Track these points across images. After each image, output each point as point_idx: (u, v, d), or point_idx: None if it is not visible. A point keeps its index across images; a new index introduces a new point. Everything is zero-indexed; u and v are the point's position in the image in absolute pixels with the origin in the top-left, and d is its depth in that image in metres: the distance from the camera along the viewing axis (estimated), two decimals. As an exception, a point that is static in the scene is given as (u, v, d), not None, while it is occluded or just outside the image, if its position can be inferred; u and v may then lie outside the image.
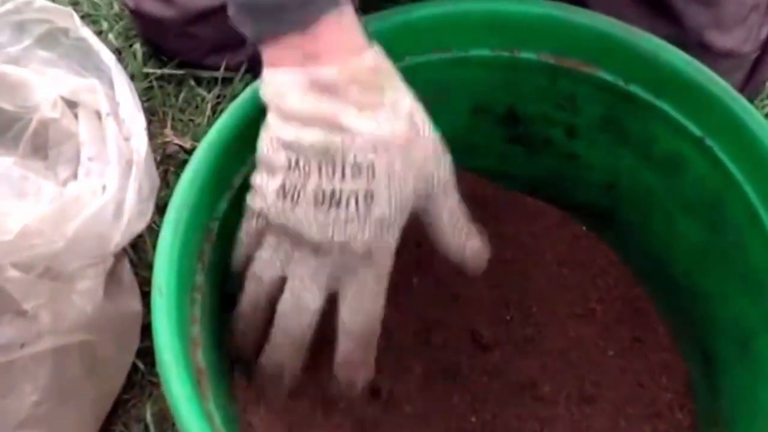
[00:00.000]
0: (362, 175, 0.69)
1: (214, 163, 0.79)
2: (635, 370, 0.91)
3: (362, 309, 0.74)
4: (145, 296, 0.98)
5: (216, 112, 1.16)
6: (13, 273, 0.87)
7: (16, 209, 0.85)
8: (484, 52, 0.87)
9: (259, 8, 0.71)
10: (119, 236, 0.89)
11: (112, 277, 0.95)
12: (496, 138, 0.93)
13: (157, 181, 0.98)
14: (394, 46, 0.77)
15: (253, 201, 0.75)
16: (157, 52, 1.16)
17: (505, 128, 0.92)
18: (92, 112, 0.95)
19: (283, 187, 0.71)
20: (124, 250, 1.01)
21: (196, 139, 1.13)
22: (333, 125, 0.69)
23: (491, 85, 0.89)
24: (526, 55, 0.87)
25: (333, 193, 0.70)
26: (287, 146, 0.71)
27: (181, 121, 1.16)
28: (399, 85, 0.73)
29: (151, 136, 1.11)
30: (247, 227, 0.76)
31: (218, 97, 1.19)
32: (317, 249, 0.71)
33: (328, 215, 0.70)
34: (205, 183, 0.78)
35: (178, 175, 0.98)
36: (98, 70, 0.97)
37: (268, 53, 0.73)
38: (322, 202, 0.70)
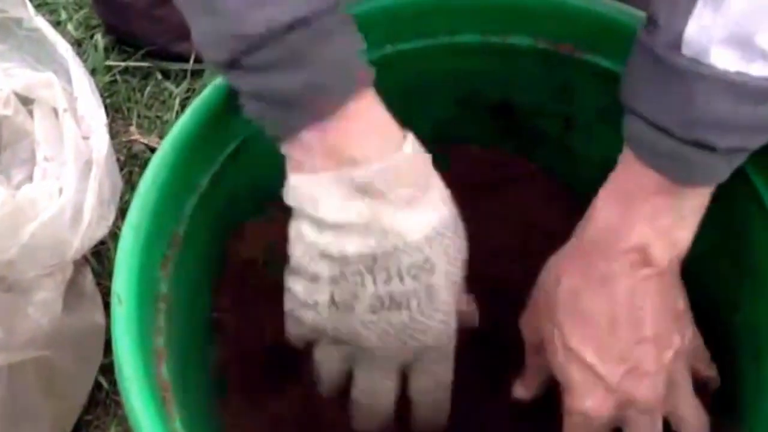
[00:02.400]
0: (421, 273, 0.68)
1: (177, 163, 0.75)
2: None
3: (434, 385, 0.75)
4: (109, 308, 0.93)
5: (185, 108, 1.10)
6: None
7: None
8: (474, 38, 0.84)
9: (277, 95, 0.66)
10: (78, 242, 0.89)
11: (72, 288, 0.94)
12: (487, 130, 0.91)
13: (119, 183, 0.98)
14: (372, 32, 0.74)
15: (300, 312, 0.73)
16: (120, 43, 1.15)
17: (497, 120, 0.90)
18: (49, 109, 0.94)
19: (332, 299, 0.69)
20: (85, 258, 1.00)
21: (164, 137, 1.08)
22: (382, 230, 0.67)
23: (482, 73, 0.87)
24: (519, 40, 0.84)
25: (392, 296, 0.68)
26: (329, 257, 0.68)
27: (148, 117, 1.15)
28: (432, 170, 0.71)
29: (115, 134, 1.11)
30: (292, 331, 0.76)
31: (187, 91, 1.19)
32: (381, 351, 0.71)
33: (389, 320, 0.69)
34: (168, 185, 0.75)
35: (144, 176, 0.95)
36: (55, 63, 0.95)
37: (290, 153, 0.68)
38: (380, 309, 0.69)
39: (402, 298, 0.68)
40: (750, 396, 0.82)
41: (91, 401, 1.00)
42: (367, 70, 0.67)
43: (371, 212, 0.67)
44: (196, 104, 0.78)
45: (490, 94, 0.89)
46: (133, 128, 1.12)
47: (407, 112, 0.73)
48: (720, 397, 0.85)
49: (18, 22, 0.96)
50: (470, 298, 0.78)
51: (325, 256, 0.68)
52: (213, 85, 0.78)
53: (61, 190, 0.87)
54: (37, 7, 1.16)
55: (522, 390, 0.79)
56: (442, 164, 0.77)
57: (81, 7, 1.17)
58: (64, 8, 1.18)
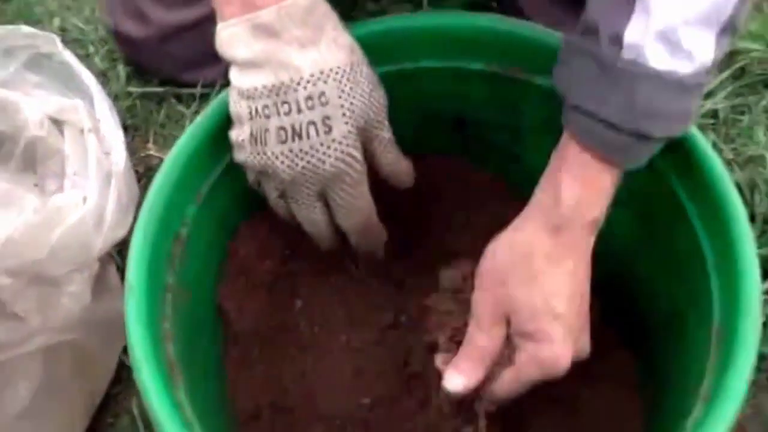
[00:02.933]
0: (316, 106, 0.74)
1: (179, 173, 0.82)
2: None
3: (352, 213, 0.80)
4: (131, 298, 0.98)
5: (195, 128, 1.16)
6: (3, 280, 0.91)
7: (1, 220, 0.90)
8: (434, 64, 0.90)
9: None
10: (101, 243, 0.93)
11: (99, 281, 0.98)
12: (446, 142, 0.96)
13: (136, 191, 1.01)
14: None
15: (236, 155, 0.80)
16: (138, 72, 1.18)
17: (453, 133, 0.96)
18: (76, 130, 0.98)
19: (251, 134, 0.76)
20: (110, 255, 1.04)
21: (175, 153, 1.14)
22: (279, 65, 0.74)
23: (441, 94, 0.92)
24: (473, 65, 0.90)
25: (293, 127, 0.74)
26: (247, 95, 0.76)
27: (162, 135, 1.18)
28: (337, 24, 0.78)
29: (134, 150, 1.15)
30: (247, 178, 0.82)
31: (196, 112, 1.19)
32: (294, 181, 0.77)
33: (291, 149, 0.75)
34: (172, 191, 0.82)
35: (160, 186, 1.00)
36: (81, 91, 1.00)
37: (216, 8, 0.77)
38: (284, 140, 0.75)
39: (301, 128, 0.74)
40: (669, 366, 0.86)
41: (116, 378, 1.03)
42: None
43: (271, 49, 0.74)
44: (197, 122, 0.83)
45: (448, 112, 0.94)
46: (150, 144, 1.17)
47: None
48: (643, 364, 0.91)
49: (49, 56, 1.01)
50: (410, 164, 0.84)
51: (242, 94, 0.76)
52: (207, 111, 0.84)
53: (85, 199, 0.92)
54: (70, 42, 1.22)
55: (464, 379, 0.77)
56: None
57: (106, 42, 1.22)
58: (92, 43, 1.23)
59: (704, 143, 0.81)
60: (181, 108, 1.22)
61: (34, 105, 1.00)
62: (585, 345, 0.78)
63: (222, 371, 0.91)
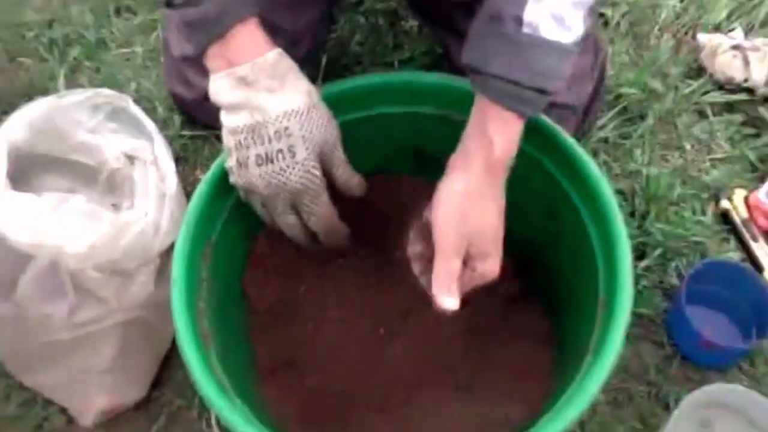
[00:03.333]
0: (282, 138, 0.73)
1: (210, 194, 0.80)
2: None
3: (317, 218, 0.78)
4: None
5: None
6: (91, 273, 0.90)
7: (87, 231, 0.87)
8: (398, 110, 0.88)
9: (192, 23, 0.74)
10: (158, 246, 0.92)
11: (160, 273, 0.95)
12: (409, 165, 0.93)
13: (186, 208, 0.93)
14: (338, 106, 0.81)
15: (229, 178, 0.78)
16: (188, 120, 1.16)
17: (415, 159, 0.93)
18: (142, 163, 0.97)
19: (237, 161, 0.75)
20: (168, 254, 0.96)
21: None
22: (253, 108, 0.74)
23: (403, 130, 0.90)
24: (425, 110, 0.87)
25: (266, 154, 0.74)
26: (232, 132, 0.75)
27: (207, 166, 1.13)
28: (298, 74, 0.77)
29: (186, 177, 1.12)
30: (242, 196, 0.81)
31: None
32: (270, 195, 0.76)
33: (266, 171, 0.74)
34: (205, 207, 0.80)
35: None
36: (145, 134, 0.98)
37: (207, 65, 0.76)
38: (261, 164, 0.74)
39: (272, 154, 0.73)
40: (571, 325, 0.84)
41: (173, 346, 1.01)
42: (253, 8, 0.74)
43: (246, 96, 0.74)
44: (217, 161, 0.81)
45: (409, 144, 0.91)
46: (197, 172, 1.14)
47: (360, 154, 0.82)
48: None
49: (124, 110, 0.99)
50: (361, 178, 0.82)
51: (228, 131, 0.76)
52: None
53: (146, 213, 0.90)
54: (142, 99, 1.20)
55: (451, 298, 0.73)
56: (380, 188, 0.87)
57: (166, 99, 1.19)
58: (156, 100, 1.20)
59: (590, 161, 0.80)
60: (219, 145, 1.13)
61: (113, 145, 0.99)
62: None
63: (246, 338, 0.89)
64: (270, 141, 0.74)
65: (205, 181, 0.81)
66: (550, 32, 0.71)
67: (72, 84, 1.24)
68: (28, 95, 1.10)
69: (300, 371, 0.90)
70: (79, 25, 1.30)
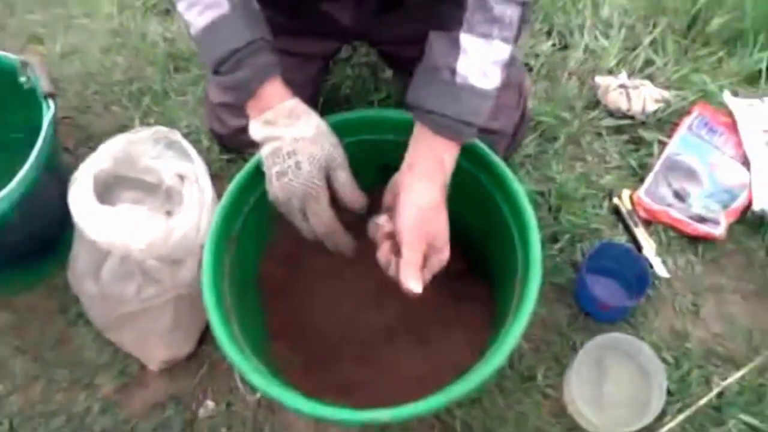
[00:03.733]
0: (292, 156, 0.70)
1: (232, 200, 0.77)
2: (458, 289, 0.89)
3: (317, 220, 0.72)
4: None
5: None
6: (152, 262, 0.88)
7: (146, 233, 0.85)
8: (372, 137, 0.84)
9: (234, 86, 0.71)
10: (199, 242, 0.88)
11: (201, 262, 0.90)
12: (381, 178, 0.84)
13: None
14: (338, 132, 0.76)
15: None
16: (225, 148, 1.12)
17: (382, 173, 0.83)
18: (189, 180, 0.92)
19: (268, 179, 0.72)
20: None
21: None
22: (275, 139, 0.70)
23: (374, 152, 0.83)
24: (390, 137, 0.82)
25: (282, 171, 0.70)
26: (265, 158, 0.71)
27: None
28: (310, 113, 0.73)
29: (221, 190, 1.04)
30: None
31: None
32: (286, 203, 0.71)
33: (282, 183, 0.70)
34: (229, 210, 0.77)
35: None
36: (190, 159, 0.94)
37: (248, 112, 0.73)
38: (279, 178, 0.70)
39: (285, 170, 0.70)
40: (505, 291, 0.80)
41: None
42: (275, 69, 0.71)
43: (270, 132, 0.71)
44: (240, 172, 0.78)
45: (380, 161, 0.82)
46: None
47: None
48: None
49: (176, 141, 0.95)
50: (362, 194, 0.75)
51: (264, 158, 0.72)
52: (247, 166, 0.78)
53: (189, 219, 0.87)
54: (191, 133, 1.17)
55: (418, 283, 0.69)
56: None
57: (208, 133, 1.14)
58: (202, 133, 1.17)
59: (512, 175, 0.77)
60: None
61: (169, 168, 0.95)
62: None
63: (260, 309, 0.86)
64: (284, 160, 0.70)
65: (226, 194, 0.78)
66: (477, 81, 0.68)
67: (144, 123, 1.21)
68: (114, 132, 1.06)
69: (301, 333, 0.87)
70: (150, 81, 1.27)
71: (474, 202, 0.82)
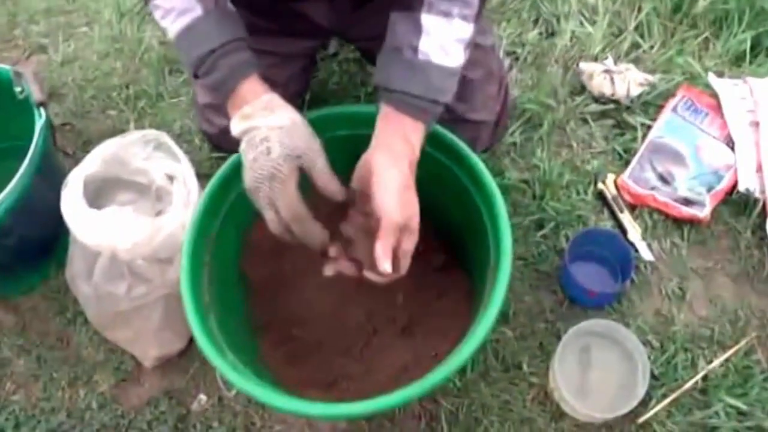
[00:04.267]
0: (264, 142, 0.68)
1: (212, 197, 0.78)
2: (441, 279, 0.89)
3: (284, 205, 0.70)
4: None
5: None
6: (140, 261, 0.89)
7: (132, 234, 0.85)
8: (347, 132, 0.83)
9: (213, 86, 0.72)
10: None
11: None
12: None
13: None
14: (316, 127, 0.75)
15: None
16: (214, 146, 1.12)
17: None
18: (177, 180, 0.93)
19: (246, 168, 0.70)
20: None
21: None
22: (252, 128, 0.70)
23: (351, 144, 0.79)
24: (362, 131, 0.76)
25: (255, 157, 0.68)
26: (244, 149, 0.70)
27: None
28: (286, 106, 0.72)
29: None
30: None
31: None
32: (256, 189, 0.69)
33: (253, 167, 0.68)
34: (208, 208, 0.78)
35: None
36: (178, 160, 0.94)
37: (227, 109, 0.73)
38: (252, 165, 0.69)
39: (257, 155, 0.68)
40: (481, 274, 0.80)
41: None
42: (251, 67, 0.71)
43: (248, 124, 0.70)
44: (219, 171, 0.79)
45: (357, 153, 0.80)
46: None
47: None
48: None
49: (165, 143, 0.95)
50: (340, 185, 0.73)
51: (242, 150, 0.70)
52: (227, 164, 0.79)
53: (175, 218, 0.87)
54: (184, 134, 1.18)
55: (389, 264, 0.68)
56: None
57: (198, 133, 1.16)
58: (195, 134, 1.18)
59: (483, 167, 0.77)
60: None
61: (159, 169, 0.96)
62: None
63: (245, 305, 0.86)
64: (257, 146, 0.69)
65: (204, 194, 0.79)
66: (439, 59, 0.69)
67: (139, 126, 1.22)
68: (111, 136, 1.07)
69: (286, 327, 0.87)
70: (144, 84, 1.28)
71: (448, 192, 0.82)
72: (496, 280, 0.70)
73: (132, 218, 0.88)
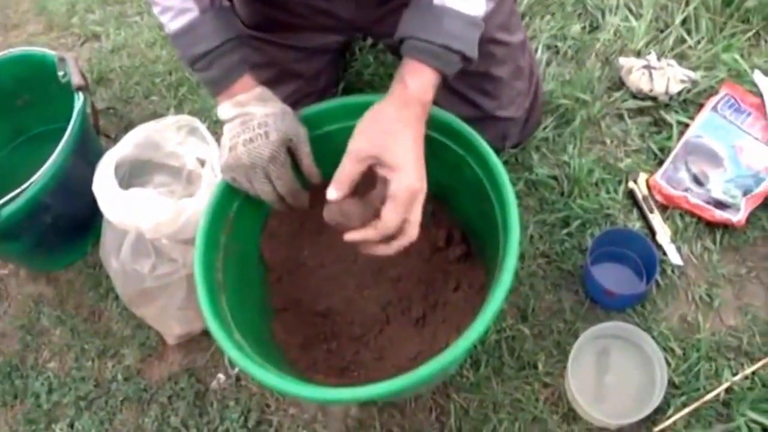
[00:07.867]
0: (262, 127, 0.72)
1: (225, 186, 0.78)
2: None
3: (282, 182, 0.74)
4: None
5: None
6: (165, 241, 0.92)
7: (156, 214, 0.87)
8: (338, 125, 0.81)
9: (206, 82, 0.76)
10: None
11: None
12: None
13: None
14: (314, 121, 0.78)
15: (220, 166, 0.76)
16: None
17: None
18: (208, 164, 0.95)
19: (229, 149, 0.74)
20: None
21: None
22: (245, 114, 0.74)
23: (331, 138, 0.81)
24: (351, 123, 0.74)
25: (251, 138, 0.72)
26: (228, 132, 0.74)
27: None
28: (275, 100, 0.76)
29: None
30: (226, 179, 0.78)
31: None
32: (252, 166, 0.73)
33: (250, 148, 0.72)
34: (225, 190, 0.78)
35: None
36: (208, 144, 0.97)
37: (218, 101, 0.76)
38: (246, 144, 0.72)
39: (255, 137, 0.72)
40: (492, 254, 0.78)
41: None
42: (244, 66, 0.75)
43: (241, 110, 0.74)
44: None
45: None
46: None
47: (321, 155, 0.76)
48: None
49: (197, 129, 0.98)
50: (317, 169, 0.76)
51: (226, 133, 0.74)
52: None
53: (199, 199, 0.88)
54: (218, 121, 1.15)
55: (336, 191, 0.68)
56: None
57: None
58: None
59: (499, 163, 0.74)
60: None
61: (190, 153, 0.99)
62: (425, 183, 0.67)
63: (262, 288, 0.87)
64: (254, 129, 0.73)
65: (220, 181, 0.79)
66: (456, 4, 0.67)
67: (179, 112, 1.26)
68: (153, 119, 1.11)
69: (301, 311, 0.88)
70: (186, 72, 1.32)
71: (465, 183, 0.80)
72: (499, 278, 0.68)
73: (156, 199, 0.90)
